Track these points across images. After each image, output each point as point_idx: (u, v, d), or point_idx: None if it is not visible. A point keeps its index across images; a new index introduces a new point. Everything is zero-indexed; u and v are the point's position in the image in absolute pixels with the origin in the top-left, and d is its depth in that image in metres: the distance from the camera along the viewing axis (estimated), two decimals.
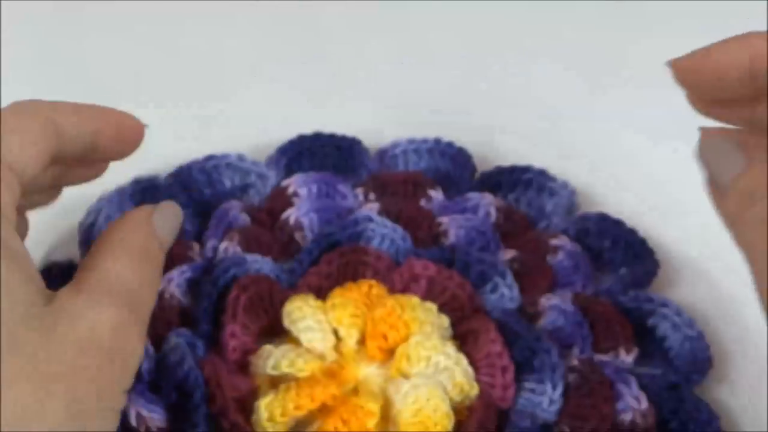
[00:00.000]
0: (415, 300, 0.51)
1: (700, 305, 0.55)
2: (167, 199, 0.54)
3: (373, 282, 0.52)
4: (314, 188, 0.57)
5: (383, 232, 0.54)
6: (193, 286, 0.51)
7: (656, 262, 0.56)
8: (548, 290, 0.53)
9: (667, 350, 0.52)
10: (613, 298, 0.53)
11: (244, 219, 0.55)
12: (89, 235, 0.54)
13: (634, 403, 0.48)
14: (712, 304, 0.55)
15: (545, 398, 0.48)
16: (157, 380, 0.47)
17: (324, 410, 0.47)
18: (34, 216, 0.51)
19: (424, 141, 0.62)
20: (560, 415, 0.48)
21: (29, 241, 0.51)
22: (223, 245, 0.53)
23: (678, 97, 0.43)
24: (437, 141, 0.62)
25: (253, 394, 0.47)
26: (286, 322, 0.50)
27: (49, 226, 0.56)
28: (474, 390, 0.48)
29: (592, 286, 0.54)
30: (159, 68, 0.69)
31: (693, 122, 0.43)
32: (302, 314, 0.50)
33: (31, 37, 0.69)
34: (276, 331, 0.50)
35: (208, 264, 0.52)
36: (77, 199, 0.54)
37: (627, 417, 0.48)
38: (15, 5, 0.69)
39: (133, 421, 0.44)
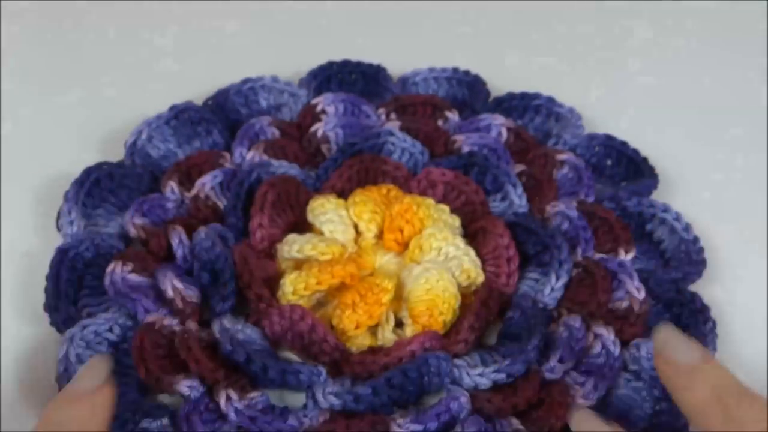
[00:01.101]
0: (429, 200, 0.52)
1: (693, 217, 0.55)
2: (205, 120, 0.57)
3: (391, 186, 0.54)
4: (341, 107, 0.59)
5: (403, 146, 0.56)
6: (224, 189, 0.53)
7: (656, 177, 0.57)
8: (554, 200, 0.54)
9: (663, 252, 0.53)
10: (619, 203, 0.54)
11: (273, 132, 0.57)
12: (133, 150, 0.56)
13: (634, 292, 0.48)
14: (707, 216, 0.56)
15: (547, 287, 0.49)
16: (190, 267, 0.49)
17: (343, 289, 0.48)
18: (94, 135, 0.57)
19: (443, 70, 0.63)
20: (560, 302, 0.49)
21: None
22: (250, 153, 0.55)
23: None
24: (455, 69, 0.63)
25: (278, 277, 0.49)
26: (310, 217, 0.52)
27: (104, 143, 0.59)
28: (480, 277, 0.50)
29: (594, 195, 0.55)
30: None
31: None
32: (325, 209, 0.51)
33: (32, 36, 0.68)
34: (300, 231, 0.52)
35: (237, 169, 0.54)
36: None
37: (623, 304, 0.49)
38: (15, 5, 0.70)
39: (170, 293, 0.46)
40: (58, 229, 0.51)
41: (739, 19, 0.70)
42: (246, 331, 0.46)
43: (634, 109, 0.63)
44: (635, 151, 0.58)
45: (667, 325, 0.42)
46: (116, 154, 0.57)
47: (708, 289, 0.51)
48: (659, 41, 0.68)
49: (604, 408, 0.45)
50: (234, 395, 0.42)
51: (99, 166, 0.54)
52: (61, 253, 0.49)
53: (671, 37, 0.69)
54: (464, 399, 0.43)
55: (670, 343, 0.40)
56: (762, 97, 0.64)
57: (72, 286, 0.48)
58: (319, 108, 0.59)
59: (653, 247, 0.54)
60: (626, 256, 0.51)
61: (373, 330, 0.48)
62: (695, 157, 0.59)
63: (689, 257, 0.52)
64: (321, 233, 0.51)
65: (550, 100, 0.61)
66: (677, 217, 0.53)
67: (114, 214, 0.53)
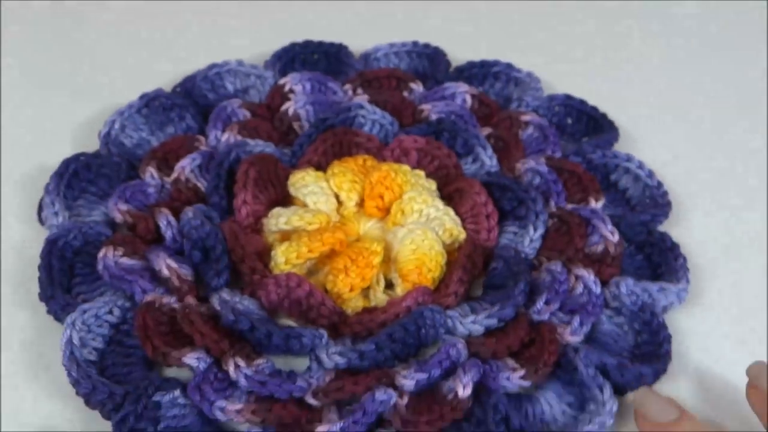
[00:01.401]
0: (406, 167, 0.54)
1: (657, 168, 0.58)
2: (177, 106, 0.58)
3: (367, 156, 0.55)
4: (308, 85, 0.61)
5: (373, 118, 0.58)
6: (203, 170, 0.54)
7: (616, 130, 0.59)
8: (522, 158, 0.57)
9: (629, 200, 0.56)
10: (584, 156, 0.56)
11: (244, 114, 0.58)
12: (107, 140, 0.57)
13: (608, 235, 0.51)
14: (670, 166, 0.59)
15: (526, 238, 0.51)
16: (179, 248, 0.50)
17: (332, 256, 0.50)
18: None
19: (403, 44, 0.65)
20: (539, 251, 0.51)
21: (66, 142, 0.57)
22: (225, 135, 0.56)
23: None
24: (415, 43, 0.65)
25: (266, 251, 0.50)
26: (292, 191, 0.53)
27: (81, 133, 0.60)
28: (462, 235, 0.52)
29: (560, 150, 0.58)
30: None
31: None
32: (306, 182, 0.53)
33: (31, 37, 0.69)
34: (282, 206, 0.53)
35: (213, 151, 0.55)
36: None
37: (599, 248, 0.51)
38: (15, 5, 0.70)
39: (165, 272, 0.47)
40: (41, 221, 0.52)
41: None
42: (243, 303, 0.47)
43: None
44: (594, 108, 0.61)
45: (644, 388, 0.44)
46: (89, 145, 0.58)
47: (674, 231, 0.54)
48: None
49: (590, 343, 0.47)
50: (242, 362, 0.43)
51: (76, 158, 0.54)
52: (50, 244, 0.49)
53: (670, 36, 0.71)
54: (461, 345, 0.45)
55: (648, 403, 0.42)
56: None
57: (64, 275, 0.49)
58: (287, 87, 0.60)
59: (619, 196, 0.56)
60: (597, 204, 0.54)
61: (365, 293, 0.49)
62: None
63: (655, 201, 0.55)
64: (304, 205, 0.52)
65: (509, 66, 0.64)
66: (640, 165, 0.56)
67: (95, 204, 0.53)
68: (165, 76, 0.64)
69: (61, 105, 0.62)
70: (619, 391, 0.45)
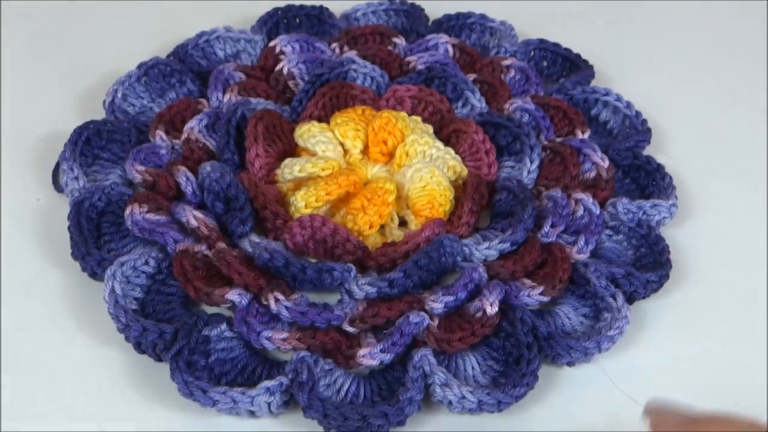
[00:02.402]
0: (403, 113, 0.57)
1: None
2: (177, 72, 0.59)
3: (365, 106, 0.58)
4: (297, 46, 0.63)
5: (365, 71, 0.60)
6: (210, 130, 0.56)
7: (591, 68, 0.63)
8: (509, 100, 0.60)
9: (611, 131, 0.60)
10: (566, 93, 0.60)
11: (240, 76, 0.60)
12: (112, 108, 0.58)
13: (599, 161, 0.54)
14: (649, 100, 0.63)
15: (524, 171, 0.55)
16: (200, 202, 0.52)
17: (347, 199, 0.52)
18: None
19: (380, 3, 0.68)
20: (536, 182, 0.55)
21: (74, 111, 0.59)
22: (226, 96, 0.58)
23: None
24: (391, 1, 0.68)
25: (280, 200, 0.52)
26: (300, 142, 0.55)
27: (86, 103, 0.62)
28: (464, 171, 0.55)
29: (543, 90, 0.61)
30: None
31: None
32: (312, 133, 0.55)
33: (31, 37, 0.69)
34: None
35: (218, 111, 0.57)
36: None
37: (591, 174, 0.55)
38: (15, 5, 0.71)
39: (193, 222, 0.49)
40: (59, 188, 0.53)
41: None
42: (271, 245, 0.49)
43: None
44: (568, 50, 0.65)
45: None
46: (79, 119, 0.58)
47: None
48: None
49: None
50: (281, 296, 0.46)
51: (87, 126, 0.55)
52: (77, 206, 0.50)
53: None
54: (482, 269, 0.48)
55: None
56: None
57: (92, 234, 0.50)
58: (278, 49, 0.62)
59: (601, 129, 0.60)
60: (584, 135, 0.58)
61: (380, 231, 0.52)
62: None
63: (635, 129, 0.59)
64: (313, 155, 0.55)
65: (483, 17, 0.67)
66: (618, 98, 0.60)
67: (110, 168, 0.55)
68: (151, 45, 0.65)
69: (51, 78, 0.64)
70: (629, 299, 0.49)
